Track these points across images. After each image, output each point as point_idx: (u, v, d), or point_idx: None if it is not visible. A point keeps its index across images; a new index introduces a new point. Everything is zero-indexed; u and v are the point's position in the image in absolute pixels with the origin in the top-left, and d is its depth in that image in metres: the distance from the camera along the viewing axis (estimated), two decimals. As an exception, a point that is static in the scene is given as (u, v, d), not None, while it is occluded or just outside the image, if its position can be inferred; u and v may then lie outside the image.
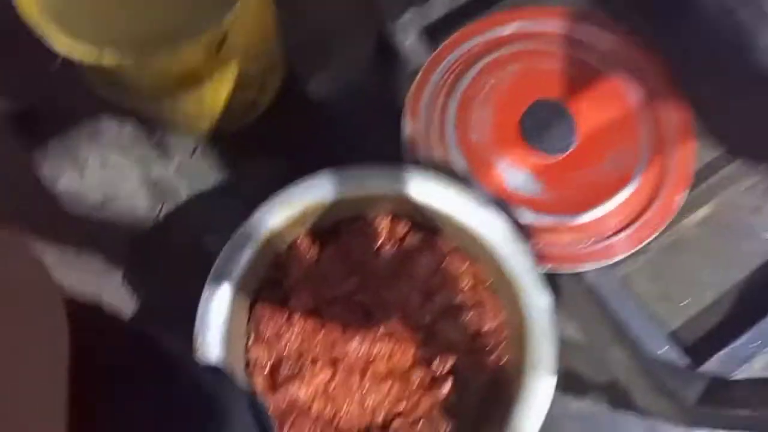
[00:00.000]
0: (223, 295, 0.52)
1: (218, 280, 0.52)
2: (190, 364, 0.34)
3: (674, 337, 0.57)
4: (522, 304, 0.50)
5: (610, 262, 0.57)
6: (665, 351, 0.55)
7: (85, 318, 0.24)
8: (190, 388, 0.29)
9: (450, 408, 0.54)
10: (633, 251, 0.57)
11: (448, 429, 0.53)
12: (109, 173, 0.65)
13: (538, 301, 0.50)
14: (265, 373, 0.56)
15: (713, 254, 0.62)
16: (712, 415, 0.53)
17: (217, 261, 0.52)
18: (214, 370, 0.34)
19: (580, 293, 0.60)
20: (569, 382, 0.59)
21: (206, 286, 0.51)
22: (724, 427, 0.51)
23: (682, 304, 0.60)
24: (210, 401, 0.29)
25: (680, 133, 0.59)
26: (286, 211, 0.54)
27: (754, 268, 0.61)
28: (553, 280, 0.61)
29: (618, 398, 0.59)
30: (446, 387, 0.54)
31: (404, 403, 0.55)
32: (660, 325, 0.57)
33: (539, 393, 0.47)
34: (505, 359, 0.54)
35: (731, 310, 0.59)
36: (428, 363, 0.55)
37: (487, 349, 0.55)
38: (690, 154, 0.59)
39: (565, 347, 0.60)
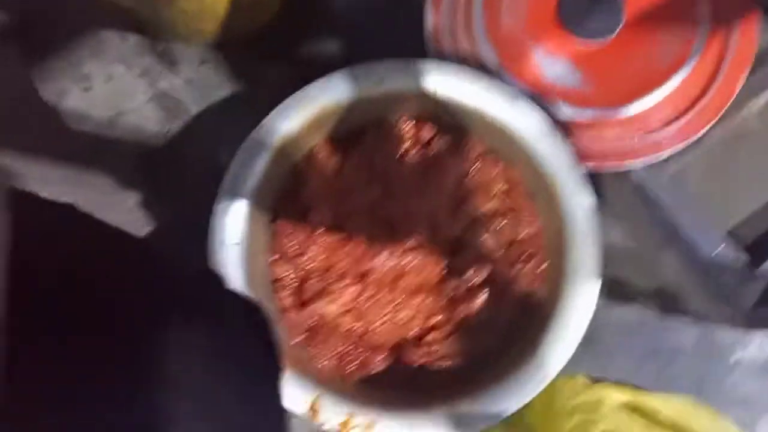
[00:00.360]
0: (238, 208, 0.49)
1: (232, 191, 0.48)
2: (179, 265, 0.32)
3: (731, 237, 0.52)
4: (561, 206, 0.46)
5: (660, 158, 0.52)
6: (721, 251, 0.50)
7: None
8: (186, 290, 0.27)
9: (486, 320, 0.51)
10: (685, 145, 0.52)
11: (484, 341, 0.50)
12: (115, 88, 0.61)
13: (579, 201, 0.45)
14: (291, 290, 0.53)
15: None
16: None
17: (229, 170, 0.48)
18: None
19: (627, 194, 0.55)
20: (614, 290, 0.55)
21: (219, 198, 0.48)
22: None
23: (739, 202, 0.54)
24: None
25: (742, 6, 0.52)
26: (301, 113, 0.49)
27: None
28: (596, 181, 0.56)
29: (668, 304, 0.54)
30: (481, 298, 0.51)
31: (437, 316, 0.52)
32: (716, 225, 0.52)
33: (581, 299, 0.43)
34: (543, 267, 0.50)
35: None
36: (461, 274, 0.52)
37: (523, 257, 0.51)
38: (753, 32, 0.52)
39: (609, 253, 0.56)
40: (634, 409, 0.43)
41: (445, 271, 0.52)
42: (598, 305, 0.55)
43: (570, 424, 0.41)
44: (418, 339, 0.52)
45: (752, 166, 0.55)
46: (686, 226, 0.51)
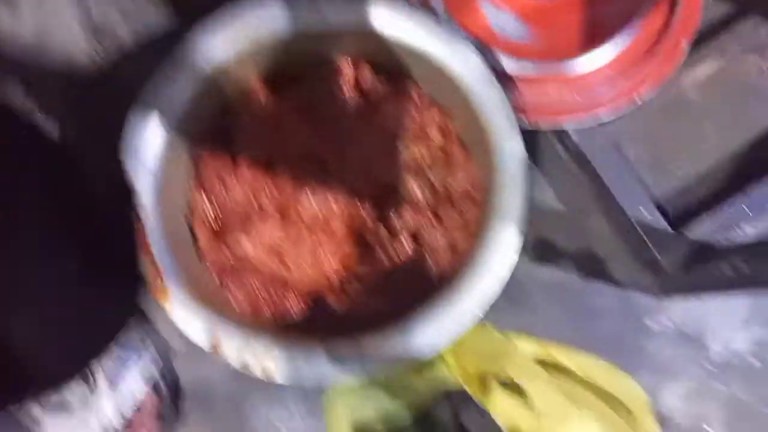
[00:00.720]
0: (155, 129, 0.46)
1: (147, 109, 0.45)
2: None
3: (662, 205, 0.52)
4: (492, 153, 0.45)
5: (599, 120, 0.51)
6: (650, 218, 0.50)
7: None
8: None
9: (410, 268, 0.49)
10: (625, 109, 0.51)
11: (406, 288, 0.49)
12: (45, 13, 0.57)
13: (510, 148, 0.44)
14: (210, 224, 0.51)
15: (714, 119, 0.55)
16: (690, 282, 0.49)
17: (145, 87, 0.45)
18: None
19: (563, 156, 0.55)
20: (542, 251, 0.55)
21: (132, 113, 0.45)
22: (701, 291, 0.47)
23: (674, 172, 0.55)
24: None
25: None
26: (231, 37, 0.46)
27: (756, 135, 0.55)
28: (534, 140, 0.56)
29: (592, 267, 0.54)
30: (407, 247, 0.49)
31: (362, 264, 0.51)
32: (645, 192, 0.51)
33: (502, 245, 0.42)
34: (472, 216, 0.49)
35: (727, 180, 0.53)
36: (389, 222, 0.50)
37: (453, 207, 0.50)
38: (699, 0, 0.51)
39: (540, 214, 0.56)
40: (544, 362, 0.42)
41: (373, 218, 0.51)
42: (524, 264, 0.55)
43: (480, 369, 0.40)
44: (339, 286, 0.51)
45: (688, 138, 0.56)
46: (616, 190, 0.51)
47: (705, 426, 0.52)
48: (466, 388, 0.40)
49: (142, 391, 0.49)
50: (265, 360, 0.41)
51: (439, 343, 0.41)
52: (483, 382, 0.41)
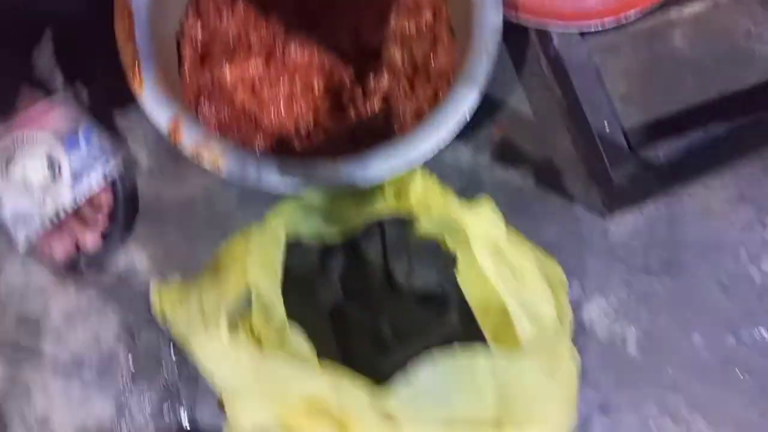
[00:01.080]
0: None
1: None
2: None
3: (625, 132, 0.54)
4: (474, 24, 0.47)
5: (585, 29, 0.53)
6: (610, 134, 0.52)
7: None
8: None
9: (377, 127, 0.52)
10: (613, 23, 0.53)
11: (365, 144, 0.51)
12: None
13: (490, 21, 0.46)
14: (197, 46, 0.53)
15: (694, 67, 0.58)
16: (631, 198, 0.51)
17: None
18: None
19: (544, 67, 0.57)
20: (506, 153, 0.57)
21: None
22: (638, 204, 0.49)
23: (644, 107, 0.57)
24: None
25: None
26: None
27: (732, 93, 0.57)
28: (517, 41, 0.58)
29: (549, 179, 0.57)
30: (377, 108, 0.52)
31: (331, 119, 0.53)
32: (614, 113, 0.54)
33: (461, 101, 0.44)
34: (443, 95, 0.52)
35: (691, 127, 0.55)
36: (364, 81, 0.52)
37: (429, 82, 0.52)
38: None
39: (512, 120, 0.58)
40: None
41: (352, 78, 0.53)
42: (485, 162, 0.57)
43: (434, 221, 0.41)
44: (306, 134, 0.53)
45: (665, 79, 0.58)
46: (585, 102, 0.53)
47: (619, 343, 0.54)
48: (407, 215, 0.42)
49: (100, 185, 0.52)
50: (219, 157, 0.44)
51: (382, 176, 0.43)
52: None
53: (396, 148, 0.44)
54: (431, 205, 0.34)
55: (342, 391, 0.34)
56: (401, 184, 0.43)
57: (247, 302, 0.37)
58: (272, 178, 0.43)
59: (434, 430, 0.36)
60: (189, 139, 0.44)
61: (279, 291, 0.39)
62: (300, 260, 0.46)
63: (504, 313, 0.39)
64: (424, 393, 0.34)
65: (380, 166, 0.43)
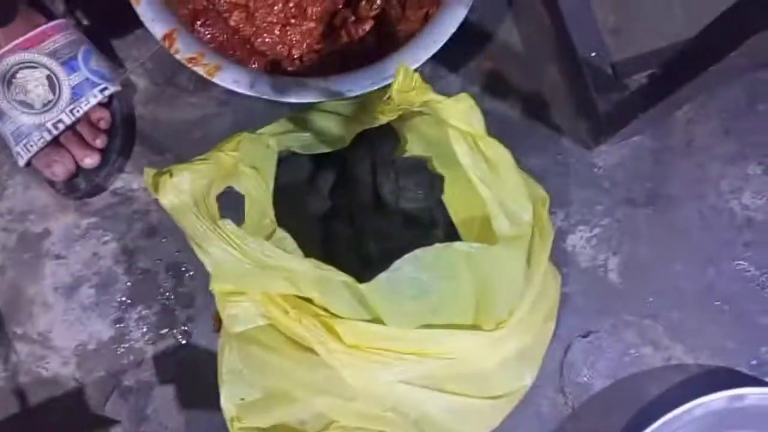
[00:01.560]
0: None
1: None
2: None
3: (613, 65, 0.55)
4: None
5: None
6: (598, 63, 0.53)
7: None
8: None
9: (368, 48, 0.53)
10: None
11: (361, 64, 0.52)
12: None
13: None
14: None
15: (685, 3, 0.58)
16: (617, 127, 0.52)
17: None
18: None
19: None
20: (494, 84, 0.58)
21: None
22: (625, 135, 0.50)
23: (633, 40, 0.58)
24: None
25: None
26: None
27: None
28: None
29: (537, 110, 0.58)
30: (366, 29, 0.53)
31: (323, 43, 0.54)
32: (602, 46, 0.55)
33: (448, 18, 0.46)
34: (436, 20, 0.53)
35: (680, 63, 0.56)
36: (359, 8, 0.54)
37: (419, 6, 0.53)
38: None
39: (502, 52, 0.59)
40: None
41: (343, 1, 0.54)
42: (473, 93, 0.58)
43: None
44: (299, 58, 0.54)
45: (656, 13, 0.58)
46: (575, 33, 0.54)
47: (601, 272, 0.56)
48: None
49: (98, 105, 0.53)
50: (213, 67, 0.45)
51: (369, 89, 0.45)
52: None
53: (384, 63, 0.45)
54: (412, 96, 0.35)
55: (324, 279, 0.35)
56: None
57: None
58: (264, 89, 0.45)
59: (415, 323, 0.37)
60: (185, 48, 0.45)
61: (270, 197, 0.41)
62: (291, 173, 0.48)
63: (488, 230, 0.40)
64: (405, 282, 0.36)
65: (368, 81, 0.45)
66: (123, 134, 0.55)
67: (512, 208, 0.37)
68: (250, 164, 0.40)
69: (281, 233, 0.39)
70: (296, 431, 0.42)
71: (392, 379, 0.38)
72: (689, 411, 0.50)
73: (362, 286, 0.36)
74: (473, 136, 0.36)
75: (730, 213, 0.57)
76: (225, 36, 0.53)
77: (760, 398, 0.50)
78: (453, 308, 0.38)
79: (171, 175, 0.33)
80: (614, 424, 0.54)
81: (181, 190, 0.33)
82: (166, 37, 0.46)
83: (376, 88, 0.45)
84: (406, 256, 0.36)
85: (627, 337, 0.55)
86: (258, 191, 0.40)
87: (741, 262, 0.57)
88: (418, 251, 0.36)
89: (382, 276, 0.36)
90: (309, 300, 0.37)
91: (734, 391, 0.50)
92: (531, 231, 0.39)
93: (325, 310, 0.37)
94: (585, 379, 0.55)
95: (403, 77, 0.35)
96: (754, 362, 0.55)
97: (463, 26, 0.48)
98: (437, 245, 0.36)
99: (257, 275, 0.35)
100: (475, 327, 0.39)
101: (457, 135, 0.36)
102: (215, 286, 0.39)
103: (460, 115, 0.35)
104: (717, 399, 0.50)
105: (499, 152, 0.37)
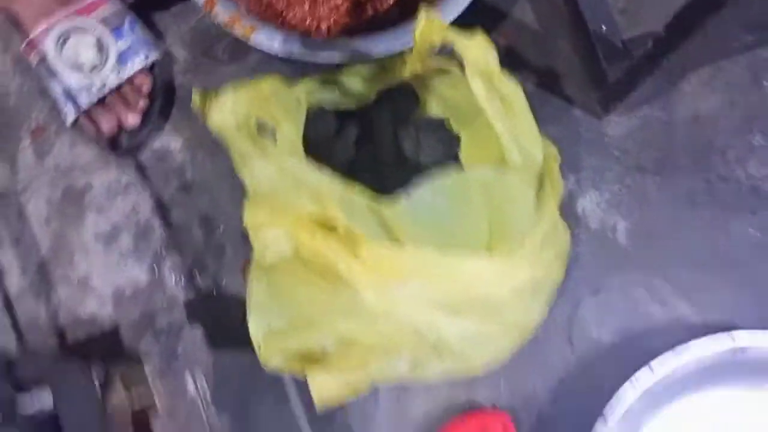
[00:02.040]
0: None
1: None
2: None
3: (624, 41, 0.58)
4: None
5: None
6: (607, 33, 0.57)
7: None
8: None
9: (391, 20, 0.57)
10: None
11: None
12: None
13: None
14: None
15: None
16: (625, 96, 0.55)
17: None
18: None
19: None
20: (509, 58, 0.62)
21: None
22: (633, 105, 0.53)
23: (643, 20, 0.61)
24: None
25: None
26: None
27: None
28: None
29: (548, 83, 0.61)
30: (390, 1, 0.57)
31: (350, 16, 0.59)
32: (611, 19, 0.58)
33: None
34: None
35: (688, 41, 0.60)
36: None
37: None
38: None
39: (516, 28, 0.63)
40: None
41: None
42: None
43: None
44: (326, 31, 0.59)
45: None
46: (584, 6, 0.58)
47: (610, 233, 0.59)
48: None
49: (141, 70, 0.58)
50: (248, 29, 0.49)
51: (393, 49, 0.48)
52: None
53: (408, 26, 0.49)
54: (433, 37, 0.39)
55: (349, 200, 0.39)
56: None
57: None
58: (295, 48, 0.49)
59: (434, 246, 0.40)
60: (223, 11, 0.50)
61: (300, 137, 0.44)
62: (318, 129, 0.51)
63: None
64: (424, 206, 0.39)
65: (393, 41, 0.49)
66: (163, 99, 0.60)
67: (525, 145, 0.40)
68: (282, 106, 0.44)
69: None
70: (318, 355, 0.45)
71: (412, 300, 0.41)
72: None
73: (384, 208, 0.39)
74: (489, 73, 0.40)
75: (737, 181, 0.60)
76: (258, 9, 0.57)
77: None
78: (468, 233, 0.41)
79: (217, 96, 0.37)
80: (621, 377, 0.55)
81: (227, 108, 0.37)
82: (207, 2, 0.50)
83: (399, 47, 0.49)
84: (424, 182, 0.39)
85: (636, 295, 0.57)
86: (290, 129, 0.44)
87: (748, 227, 0.59)
88: (435, 178, 0.39)
89: (402, 200, 0.39)
90: (334, 229, 0.41)
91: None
92: (542, 171, 0.42)
93: (349, 235, 0.41)
94: (593, 334, 0.57)
95: (425, 20, 0.39)
96: (760, 321, 0.56)
97: (479, 5, 0.52)
98: (452, 172, 0.39)
99: (290, 192, 0.39)
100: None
101: (474, 72, 0.40)
102: (249, 216, 0.42)
103: (475, 48, 0.38)
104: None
105: (513, 90, 0.40)
